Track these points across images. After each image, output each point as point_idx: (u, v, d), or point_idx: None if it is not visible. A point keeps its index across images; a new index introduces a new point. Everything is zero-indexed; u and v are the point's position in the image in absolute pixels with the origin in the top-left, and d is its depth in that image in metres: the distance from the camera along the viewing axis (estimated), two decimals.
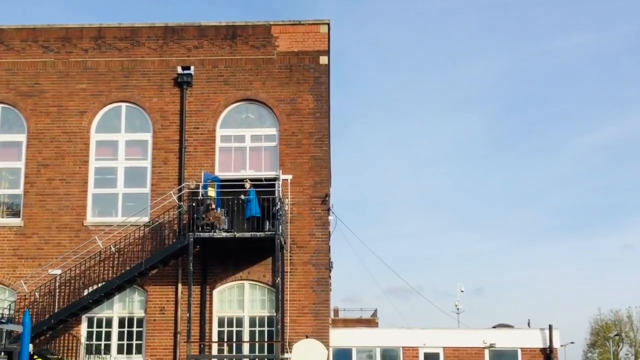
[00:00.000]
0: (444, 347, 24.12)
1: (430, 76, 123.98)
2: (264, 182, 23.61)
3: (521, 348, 24.22)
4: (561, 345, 27.54)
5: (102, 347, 23.20)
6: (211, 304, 23.31)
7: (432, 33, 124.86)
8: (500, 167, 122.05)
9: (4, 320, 21.82)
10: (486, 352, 24.10)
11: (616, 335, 75.27)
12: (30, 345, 20.36)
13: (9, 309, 22.92)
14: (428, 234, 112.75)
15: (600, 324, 77.25)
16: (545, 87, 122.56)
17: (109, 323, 23.49)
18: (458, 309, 43.80)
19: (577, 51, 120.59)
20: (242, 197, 22.91)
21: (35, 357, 21.58)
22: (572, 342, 71.23)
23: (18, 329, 20.62)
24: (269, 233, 22.20)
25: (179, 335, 22.91)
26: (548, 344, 24.04)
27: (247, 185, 23.02)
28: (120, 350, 23.25)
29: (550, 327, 24.14)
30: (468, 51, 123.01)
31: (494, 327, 27.59)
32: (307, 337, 22.33)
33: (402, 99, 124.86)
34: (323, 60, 24.78)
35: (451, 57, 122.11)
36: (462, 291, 45.70)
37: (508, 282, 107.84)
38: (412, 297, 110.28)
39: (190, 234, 22.00)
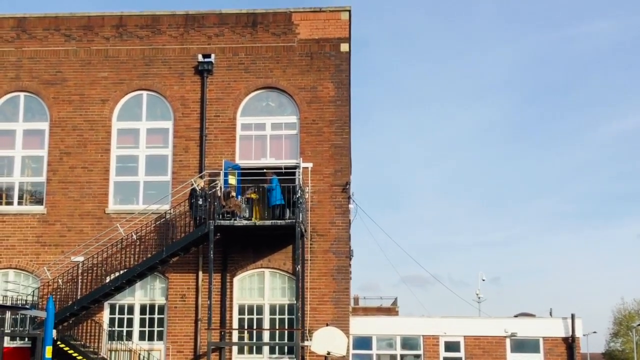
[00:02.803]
0: (464, 336, 24.01)
1: (450, 63, 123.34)
2: (285, 170, 23.59)
3: (543, 337, 24.04)
4: (583, 335, 27.36)
5: (124, 334, 23.40)
6: (231, 291, 23.40)
7: (452, 20, 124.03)
8: (521, 154, 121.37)
9: (27, 307, 22.05)
10: (507, 341, 23.96)
11: (639, 324, 74.68)
12: (54, 331, 20.60)
13: (33, 295, 23.17)
14: (446, 222, 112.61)
15: (623, 314, 76.67)
16: (567, 74, 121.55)
17: (130, 310, 23.67)
18: (479, 298, 43.61)
19: (599, 37, 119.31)
20: (265, 185, 22.94)
21: (59, 342, 21.81)
22: (594, 332, 70.98)
23: (42, 315, 20.86)
24: (289, 221, 22.20)
25: (199, 322, 23.03)
26: (570, 333, 23.84)
27: (268, 175, 23.03)
28: (142, 337, 23.42)
29: (573, 316, 23.93)
30: (489, 38, 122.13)
31: (515, 316, 27.44)
32: (327, 324, 22.34)
33: (422, 86, 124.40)
34: (344, 47, 24.65)
35: (472, 44, 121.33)
36: (484, 280, 45.46)
37: (529, 270, 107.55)
38: (429, 286, 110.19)
39: (211, 221, 22.05)
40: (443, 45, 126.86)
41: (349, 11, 24.88)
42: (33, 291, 23.31)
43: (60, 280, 23.45)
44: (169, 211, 23.60)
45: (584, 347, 55.25)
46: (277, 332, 23.18)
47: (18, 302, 22.57)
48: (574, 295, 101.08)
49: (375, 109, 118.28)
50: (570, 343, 23.83)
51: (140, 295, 23.74)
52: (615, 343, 77.54)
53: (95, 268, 23.51)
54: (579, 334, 23.97)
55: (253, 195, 23.22)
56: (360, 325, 23.97)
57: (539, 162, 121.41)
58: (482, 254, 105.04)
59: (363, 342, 23.97)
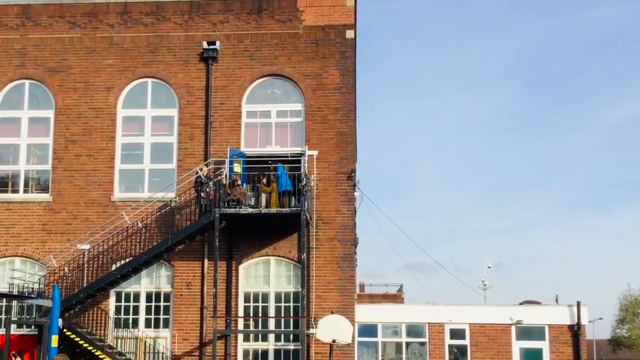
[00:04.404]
0: (470, 324, 23.98)
1: (456, 50, 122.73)
2: (290, 158, 23.52)
3: (548, 325, 23.98)
4: (589, 322, 27.27)
5: (130, 321, 23.46)
6: (237, 279, 23.41)
7: (457, 7, 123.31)
8: (526, 142, 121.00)
9: (33, 295, 22.12)
10: (513, 328, 23.92)
11: None
12: (60, 320, 20.65)
13: (39, 283, 23.23)
14: (451, 209, 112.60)
15: (629, 300, 76.58)
16: (571, 62, 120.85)
17: (136, 297, 23.72)
18: (485, 285, 43.64)
19: (603, 24, 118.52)
20: (272, 174, 22.82)
21: (65, 330, 21.87)
22: (600, 318, 70.99)
23: (48, 303, 20.91)
24: (294, 209, 22.17)
25: (205, 310, 23.07)
26: (576, 321, 23.79)
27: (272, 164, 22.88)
28: (148, 324, 23.48)
29: (579, 304, 23.87)
30: (494, 25, 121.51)
31: (520, 304, 27.40)
32: (332, 312, 22.33)
33: (427, 73, 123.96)
34: (349, 34, 24.50)
35: (477, 32, 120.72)
36: (490, 267, 45.52)
37: (534, 258, 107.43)
38: (433, 273, 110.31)
39: (216, 209, 22.04)
40: (448, 32, 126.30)
41: None
42: (39, 279, 23.36)
43: (66, 268, 23.51)
44: (174, 199, 23.58)
45: (590, 334, 55.33)
46: (283, 319, 23.20)
47: (24, 290, 22.64)
48: (580, 282, 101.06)
49: (381, 96, 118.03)
50: (575, 330, 23.78)
51: (146, 283, 23.78)
52: (621, 329, 77.50)
53: (101, 256, 23.54)
54: (584, 321, 23.89)
55: (266, 189, 22.93)
56: (365, 313, 23.97)
57: (543, 149, 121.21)
58: (486, 242, 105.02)
59: (368, 330, 23.97)
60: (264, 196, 22.88)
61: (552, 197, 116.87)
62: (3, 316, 23.64)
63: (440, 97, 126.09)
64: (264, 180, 22.91)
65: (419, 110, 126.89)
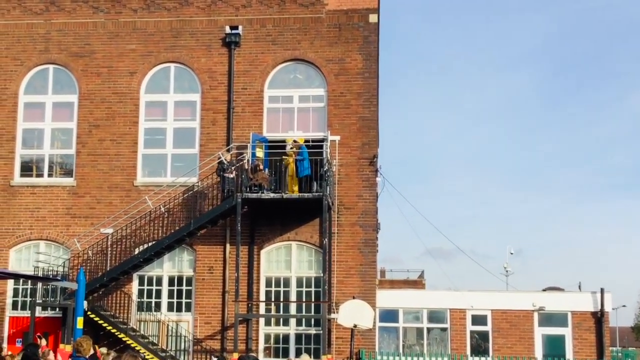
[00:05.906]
0: (492, 310, 23.89)
1: (480, 33, 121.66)
2: (312, 143, 23.48)
3: (571, 311, 23.82)
4: (613, 309, 27.03)
5: (153, 305, 23.65)
6: (259, 264, 23.50)
7: None
8: (551, 125, 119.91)
9: (58, 278, 22.35)
10: (535, 315, 23.80)
11: None
12: (84, 302, 20.88)
13: (63, 266, 23.47)
14: (474, 195, 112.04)
15: None
16: (601, 43, 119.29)
17: (159, 281, 23.91)
18: (507, 271, 43.45)
19: (634, 5, 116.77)
20: (293, 154, 22.71)
21: (89, 313, 22.11)
22: (624, 305, 70.45)
23: (73, 286, 21.15)
24: (316, 194, 22.16)
25: (227, 294, 23.20)
26: (599, 308, 23.61)
27: (288, 146, 22.77)
28: (170, 308, 23.67)
29: (602, 291, 23.66)
30: (520, 6, 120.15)
31: (543, 290, 27.24)
32: (354, 297, 22.37)
33: (451, 56, 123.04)
34: (372, 18, 24.35)
35: (502, 12, 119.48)
36: (512, 253, 45.33)
37: (557, 243, 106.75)
38: (454, 259, 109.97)
39: (239, 194, 22.10)
40: (473, 14, 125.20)
41: None
42: (64, 262, 23.60)
43: (90, 252, 23.73)
44: (196, 184, 23.68)
45: (613, 321, 54.88)
46: (304, 304, 23.28)
47: (49, 273, 22.89)
48: (604, 270, 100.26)
49: (403, 80, 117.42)
50: (599, 317, 23.61)
51: (168, 267, 23.95)
52: None
53: (124, 240, 23.73)
54: (608, 308, 23.69)
55: (289, 161, 22.90)
56: (386, 298, 23.97)
57: (569, 133, 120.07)
58: (508, 228, 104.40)
59: (390, 315, 23.97)
60: (285, 181, 22.87)
61: (576, 183, 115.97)
62: (28, 299, 23.95)
63: (464, 80, 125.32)
64: (290, 152, 22.82)
65: (443, 94, 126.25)
